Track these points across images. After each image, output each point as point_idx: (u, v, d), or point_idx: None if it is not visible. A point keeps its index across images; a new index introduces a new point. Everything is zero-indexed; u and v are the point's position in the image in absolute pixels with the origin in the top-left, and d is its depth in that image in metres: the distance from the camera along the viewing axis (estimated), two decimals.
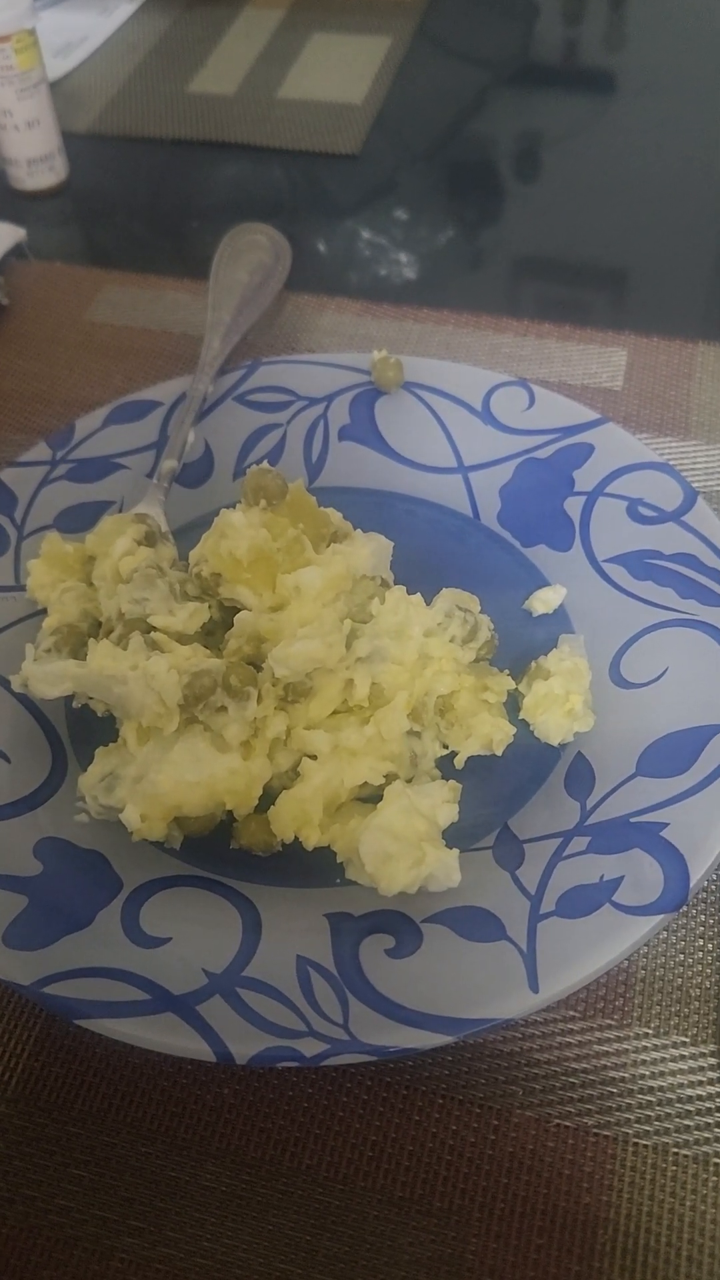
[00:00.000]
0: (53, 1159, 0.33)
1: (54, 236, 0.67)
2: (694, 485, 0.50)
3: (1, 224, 0.64)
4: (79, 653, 0.41)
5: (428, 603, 0.41)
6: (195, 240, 0.66)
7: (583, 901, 0.35)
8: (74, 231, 0.68)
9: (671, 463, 0.51)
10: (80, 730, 0.42)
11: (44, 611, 0.44)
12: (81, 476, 0.49)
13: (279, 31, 0.84)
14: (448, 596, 0.41)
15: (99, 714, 0.40)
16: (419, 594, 0.40)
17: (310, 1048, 0.32)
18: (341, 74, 0.79)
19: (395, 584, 0.42)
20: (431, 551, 0.47)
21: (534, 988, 0.33)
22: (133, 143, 0.75)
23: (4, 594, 0.45)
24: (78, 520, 0.48)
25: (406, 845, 0.35)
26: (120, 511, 0.48)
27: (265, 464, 0.41)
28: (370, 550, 0.41)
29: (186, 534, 0.48)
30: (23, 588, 0.45)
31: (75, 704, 0.41)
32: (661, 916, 0.34)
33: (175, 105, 0.77)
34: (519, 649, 0.43)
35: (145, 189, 0.71)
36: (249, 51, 0.82)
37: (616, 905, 0.34)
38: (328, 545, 0.41)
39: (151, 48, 0.83)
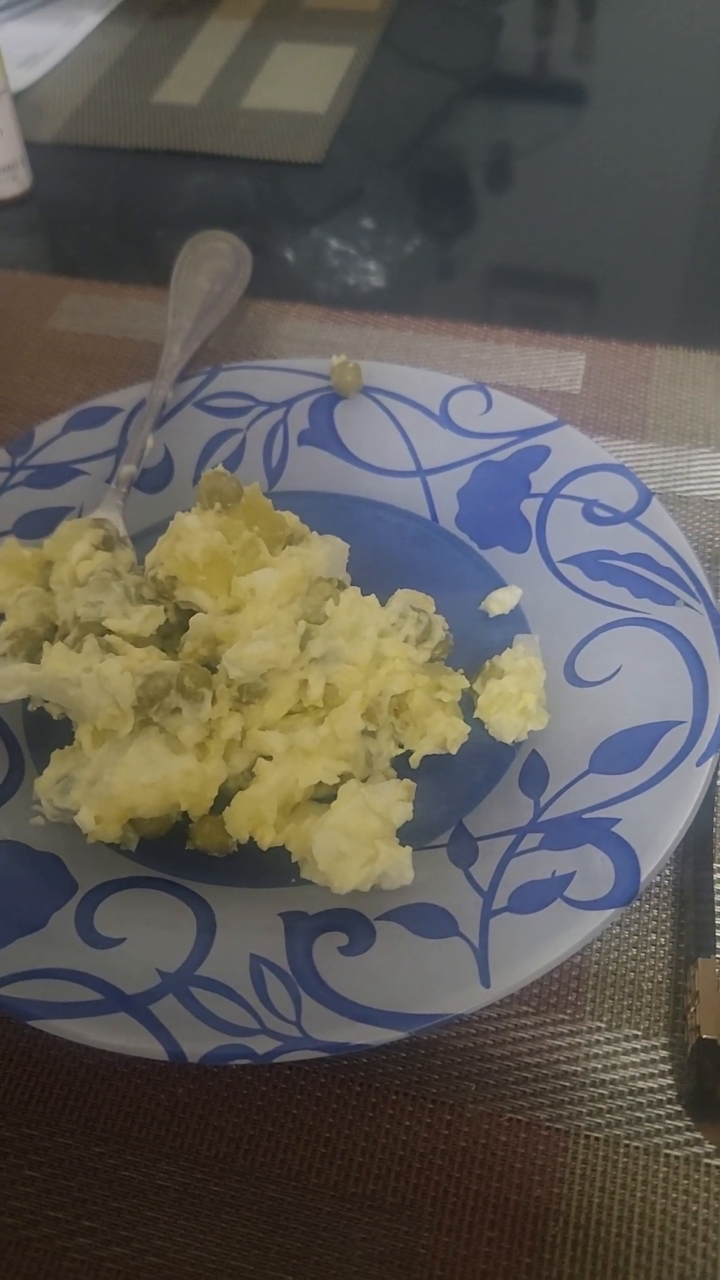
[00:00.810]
0: (5, 1160, 0.33)
1: (16, 245, 0.67)
2: (650, 487, 0.51)
3: None
4: (35, 656, 0.41)
5: (384, 604, 0.41)
6: (158, 248, 0.67)
7: (535, 897, 0.35)
8: (37, 240, 0.68)
9: (629, 465, 0.52)
10: (37, 733, 0.42)
11: (0, 617, 0.44)
12: (40, 483, 0.49)
13: (244, 42, 0.85)
14: (402, 597, 0.41)
15: (54, 717, 0.40)
16: (373, 595, 0.41)
17: (262, 1045, 0.32)
18: (306, 84, 0.79)
19: (352, 586, 0.42)
20: (390, 554, 0.48)
21: (485, 983, 0.33)
22: (97, 152, 0.75)
23: None
24: (36, 526, 0.48)
25: (359, 844, 0.35)
26: (79, 517, 0.48)
27: (221, 468, 0.41)
28: (326, 552, 0.41)
29: (146, 539, 0.48)
30: None
31: (31, 707, 0.41)
32: (612, 911, 0.34)
33: (140, 115, 0.78)
34: (476, 650, 0.44)
35: (109, 198, 0.71)
36: (214, 62, 0.83)
37: (568, 900, 0.34)
38: (284, 548, 0.42)
39: (117, 58, 0.84)
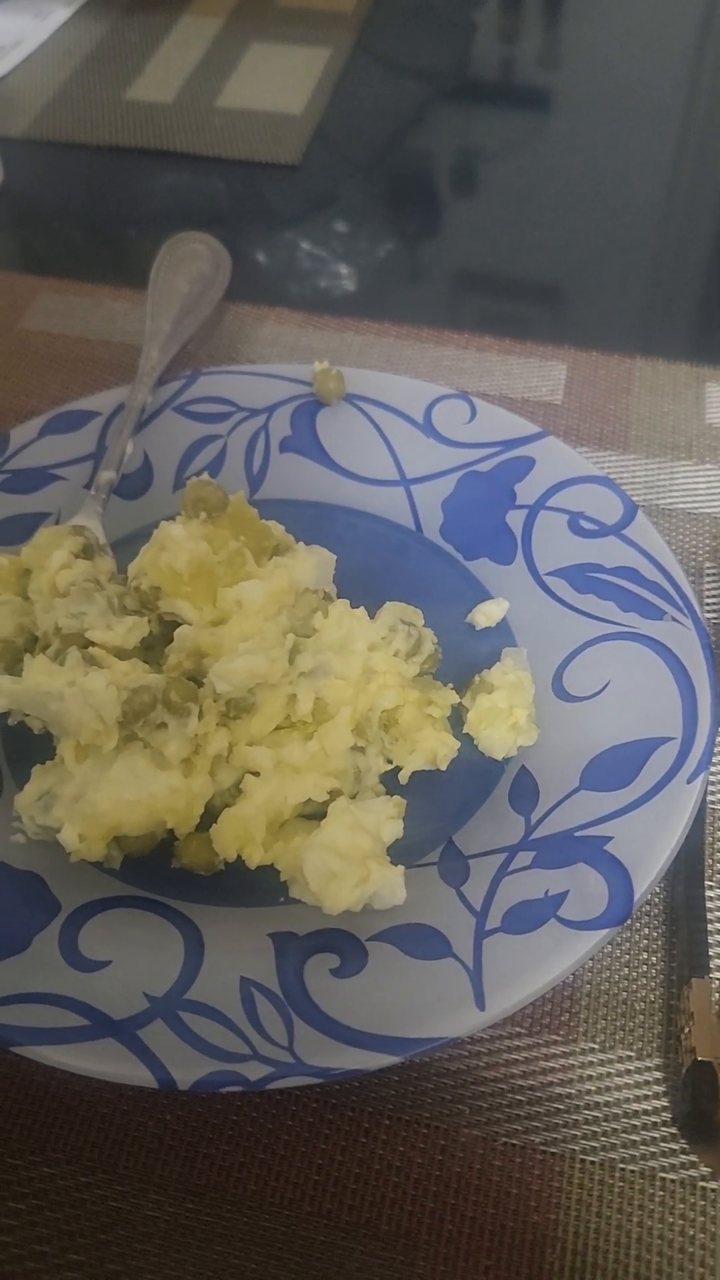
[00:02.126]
0: None
1: None
2: (634, 499, 0.50)
3: None
4: (14, 668, 0.40)
5: (371, 616, 0.41)
6: (133, 249, 0.66)
7: (528, 917, 0.35)
8: (7, 237, 0.67)
9: (612, 476, 0.51)
10: (15, 748, 0.41)
11: None
12: (17, 488, 0.48)
13: (217, 40, 0.84)
14: (391, 610, 0.40)
15: (35, 731, 0.39)
16: (363, 608, 0.40)
17: (254, 1071, 0.31)
18: (281, 84, 0.78)
19: (337, 598, 0.42)
20: (373, 565, 0.47)
21: (480, 1005, 0.32)
22: (69, 149, 0.74)
23: None
24: (13, 532, 0.47)
25: (351, 863, 0.35)
26: (57, 523, 0.47)
27: (205, 475, 0.40)
28: (314, 564, 0.41)
29: (125, 546, 0.47)
30: None
31: (11, 721, 0.40)
32: (607, 931, 0.33)
33: (113, 112, 0.76)
34: (462, 663, 0.43)
35: (83, 196, 0.70)
36: (187, 60, 0.82)
37: (562, 920, 0.34)
38: (270, 558, 0.41)
39: (88, 53, 0.82)
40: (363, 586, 0.43)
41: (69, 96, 0.78)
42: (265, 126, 0.75)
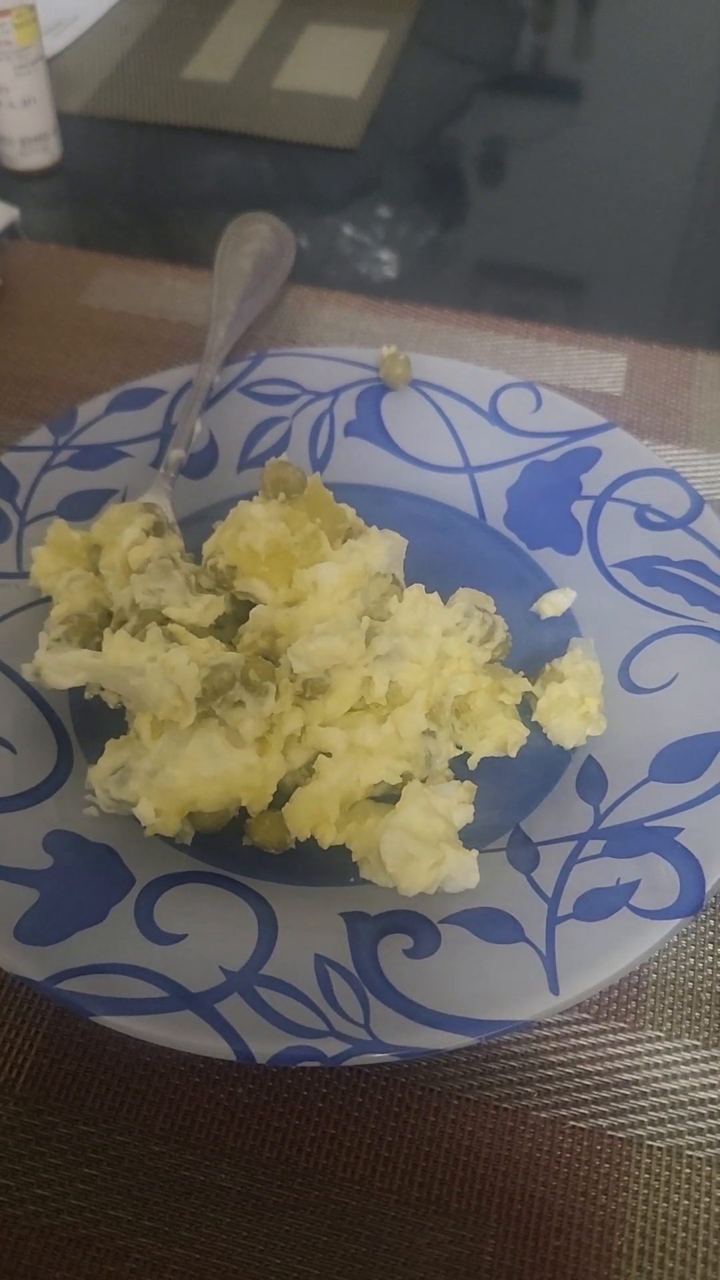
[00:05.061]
0: (64, 1158, 0.33)
1: (47, 218, 0.66)
2: None
3: None
4: (89, 642, 0.40)
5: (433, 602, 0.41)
6: (193, 228, 0.66)
7: (600, 905, 0.35)
8: (68, 214, 0.67)
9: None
10: (83, 723, 0.41)
11: (46, 600, 0.44)
12: (84, 463, 0.48)
13: (274, 20, 0.83)
14: (465, 596, 0.40)
15: (111, 705, 0.40)
16: (436, 593, 0.40)
17: (331, 1048, 0.31)
18: (338, 67, 0.78)
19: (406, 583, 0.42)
20: (436, 551, 0.47)
21: (554, 990, 0.33)
22: (126, 126, 0.74)
23: (6, 581, 0.44)
24: (81, 508, 0.47)
25: (426, 846, 0.35)
26: (123, 500, 0.48)
27: (285, 457, 0.41)
28: (386, 548, 0.41)
29: (189, 525, 0.47)
30: (25, 574, 0.44)
31: (87, 695, 0.40)
32: (679, 920, 0.34)
33: (170, 90, 0.76)
34: (526, 651, 0.43)
35: (141, 174, 0.70)
36: (244, 40, 0.81)
37: (634, 909, 0.34)
38: (343, 541, 0.41)
39: (144, 30, 0.82)
40: (426, 572, 0.43)
41: (126, 73, 0.78)
42: (323, 109, 0.74)
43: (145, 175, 0.70)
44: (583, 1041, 0.35)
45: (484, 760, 0.40)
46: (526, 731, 0.40)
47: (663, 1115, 0.34)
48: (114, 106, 0.75)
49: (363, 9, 0.84)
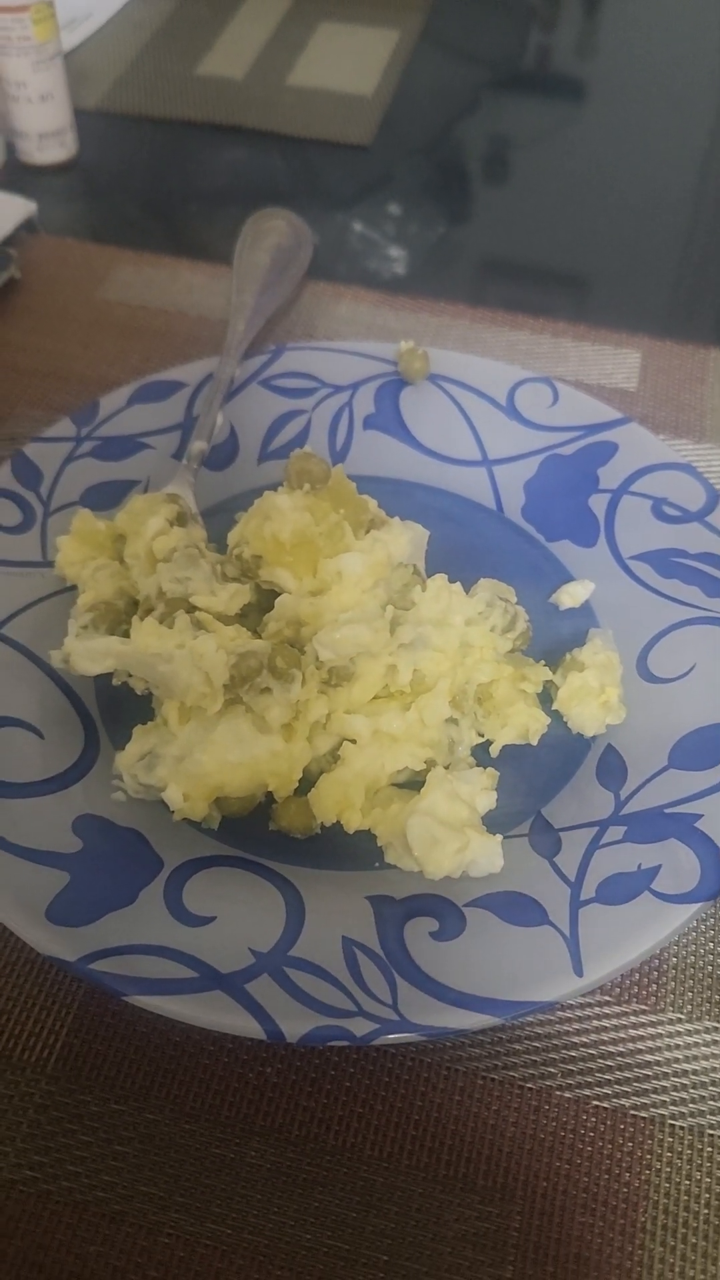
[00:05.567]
0: (96, 1135, 0.33)
1: (64, 212, 0.67)
2: None
3: (13, 197, 0.63)
4: (115, 630, 0.41)
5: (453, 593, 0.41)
6: (207, 224, 0.66)
7: (622, 889, 0.35)
8: (84, 208, 0.67)
9: None
10: (108, 709, 0.42)
11: (70, 588, 0.44)
12: (107, 454, 0.49)
13: (286, 18, 0.84)
14: (487, 586, 0.41)
15: (139, 692, 0.40)
16: (458, 583, 0.41)
17: (360, 1027, 0.32)
18: (351, 64, 0.79)
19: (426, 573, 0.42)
20: (454, 542, 0.48)
21: (578, 971, 0.33)
22: (141, 122, 0.74)
23: (31, 569, 0.44)
24: (104, 498, 0.47)
25: (451, 831, 0.35)
26: (146, 491, 0.48)
27: (309, 448, 0.41)
28: (408, 539, 0.42)
29: (210, 516, 0.48)
30: (50, 563, 0.45)
31: (115, 681, 0.41)
32: (700, 904, 0.34)
33: (184, 87, 0.77)
34: (545, 642, 0.44)
35: (156, 169, 0.70)
36: (256, 37, 0.82)
37: (655, 893, 0.35)
38: (366, 532, 0.42)
39: (157, 27, 0.83)
40: (446, 563, 0.44)
41: (141, 70, 0.78)
42: (336, 106, 0.75)
43: (160, 171, 0.70)
44: (605, 1023, 0.36)
45: (506, 748, 0.41)
46: (547, 720, 0.40)
47: (684, 1095, 0.34)
48: (129, 102, 0.75)
49: (374, 7, 0.85)
